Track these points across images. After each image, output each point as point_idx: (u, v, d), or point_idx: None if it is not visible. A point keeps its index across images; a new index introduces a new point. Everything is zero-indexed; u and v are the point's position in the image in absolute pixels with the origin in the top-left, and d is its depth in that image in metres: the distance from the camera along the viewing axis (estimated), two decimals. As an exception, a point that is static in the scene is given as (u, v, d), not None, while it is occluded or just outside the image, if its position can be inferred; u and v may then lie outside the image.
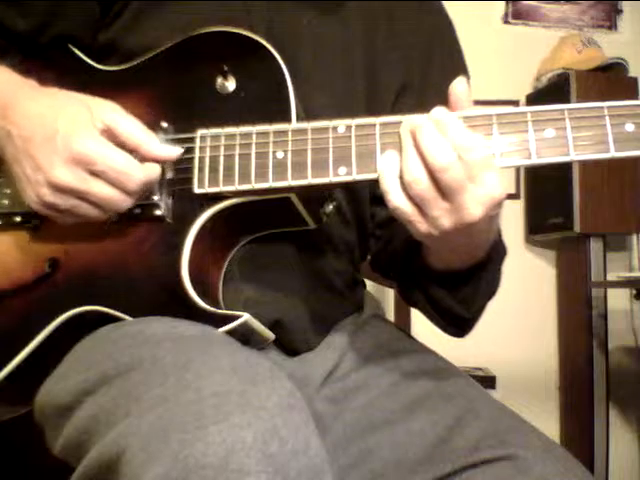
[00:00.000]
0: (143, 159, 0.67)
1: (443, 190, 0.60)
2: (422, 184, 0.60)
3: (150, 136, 0.68)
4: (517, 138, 0.63)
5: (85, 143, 0.63)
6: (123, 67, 0.76)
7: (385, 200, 0.62)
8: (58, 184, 0.64)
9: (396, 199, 0.62)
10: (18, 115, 0.67)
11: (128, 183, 0.65)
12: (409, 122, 0.62)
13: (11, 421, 0.73)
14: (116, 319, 0.68)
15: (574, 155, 0.62)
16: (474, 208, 0.60)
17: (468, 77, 0.90)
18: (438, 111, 0.62)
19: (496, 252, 0.74)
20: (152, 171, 0.67)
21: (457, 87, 0.64)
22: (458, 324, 0.80)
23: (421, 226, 0.62)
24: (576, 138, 0.62)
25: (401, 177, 0.61)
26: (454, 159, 0.59)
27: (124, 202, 0.66)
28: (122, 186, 0.65)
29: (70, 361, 0.67)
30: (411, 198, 0.61)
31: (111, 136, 0.66)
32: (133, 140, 0.66)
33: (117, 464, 0.51)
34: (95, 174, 0.64)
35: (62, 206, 0.66)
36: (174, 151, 0.69)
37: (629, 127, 0.61)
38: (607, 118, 0.61)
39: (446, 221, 0.61)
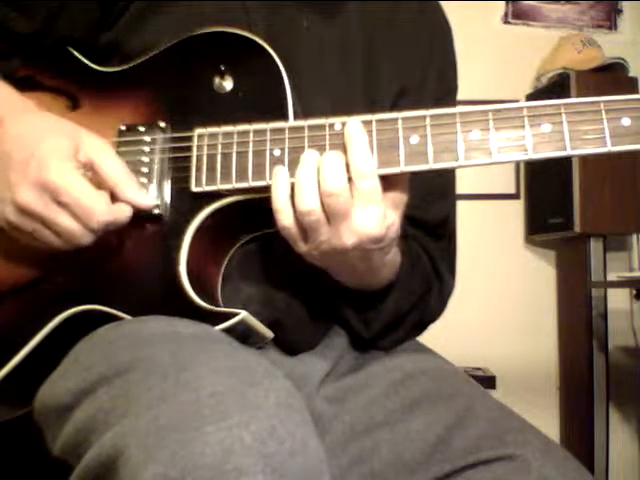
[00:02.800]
0: (117, 200, 0.67)
1: (328, 214, 0.62)
2: (316, 214, 0.62)
3: (129, 179, 0.68)
4: (513, 134, 0.63)
5: (56, 172, 0.64)
6: (122, 68, 0.77)
7: (275, 218, 0.64)
8: (21, 205, 0.65)
9: (287, 220, 0.64)
10: (6, 131, 0.67)
11: (90, 220, 0.65)
12: (312, 154, 0.64)
13: (11, 421, 0.73)
14: (115, 318, 0.69)
15: (571, 150, 0.62)
16: (348, 236, 0.62)
17: (456, 87, 0.91)
18: (353, 125, 0.64)
19: (397, 289, 0.77)
20: (120, 214, 0.67)
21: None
22: (359, 340, 0.83)
23: (303, 246, 0.65)
24: (572, 133, 0.62)
25: (294, 200, 0.63)
26: (344, 187, 0.61)
27: (84, 237, 0.66)
28: (84, 222, 0.65)
29: (69, 361, 0.67)
30: (299, 224, 0.63)
31: (92, 172, 0.66)
32: (111, 179, 0.67)
33: (115, 464, 0.51)
34: (60, 204, 0.64)
35: (24, 228, 0.66)
36: (148, 200, 0.69)
37: (625, 121, 0.61)
38: (603, 113, 0.61)
39: (325, 246, 0.64)
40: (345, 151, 0.63)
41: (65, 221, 0.65)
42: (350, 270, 0.70)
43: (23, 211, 0.65)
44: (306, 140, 0.66)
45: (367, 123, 0.65)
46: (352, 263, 0.68)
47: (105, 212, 0.65)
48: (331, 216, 0.62)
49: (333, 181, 0.61)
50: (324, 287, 0.77)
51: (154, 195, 0.70)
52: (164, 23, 0.77)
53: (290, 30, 0.80)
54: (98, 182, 0.66)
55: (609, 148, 0.61)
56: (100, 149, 0.67)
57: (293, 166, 0.66)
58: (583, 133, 0.61)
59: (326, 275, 0.74)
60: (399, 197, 0.65)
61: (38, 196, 0.64)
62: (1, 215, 0.67)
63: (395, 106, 0.84)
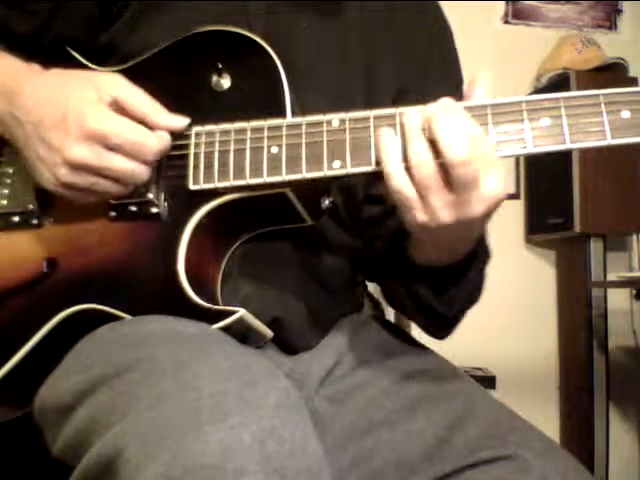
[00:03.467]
0: (152, 128, 0.67)
1: (455, 183, 0.59)
2: (428, 168, 0.60)
3: (156, 106, 0.68)
4: (512, 128, 0.63)
5: (97, 119, 0.64)
6: (120, 67, 0.77)
7: (386, 183, 0.62)
8: (76, 162, 0.64)
9: (399, 181, 0.61)
10: (25, 99, 0.67)
11: (144, 153, 0.66)
12: (416, 112, 0.62)
13: (11, 421, 0.73)
14: (114, 317, 0.69)
15: (570, 144, 0.61)
16: (478, 205, 0.60)
17: (462, 81, 0.90)
18: (449, 103, 0.62)
19: (481, 251, 0.74)
20: (164, 139, 0.68)
21: (477, 83, 0.64)
22: (439, 323, 0.80)
23: (419, 215, 0.62)
24: (572, 126, 0.62)
25: (405, 160, 0.61)
26: (471, 154, 0.58)
27: (143, 173, 0.67)
28: (139, 157, 0.66)
29: (69, 361, 0.67)
30: (415, 183, 0.60)
31: (119, 108, 0.66)
32: (141, 110, 0.67)
33: (115, 464, 0.51)
34: (111, 148, 0.65)
35: (81, 184, 0.66)
36: (181, 121, 0.69)
37: (625, 114, 0.61)
38: (603, 106, 0.61)
39: (446, 214, 0.61)
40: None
41: (121, 163, 0.65)
42: (460, 239, 0.68)
43: (78, 167, 0.65)
44: (303, 137, 0.66)
45: (364, 120, 0.65)
46: (472, 230, 0.65)
47: (155, 142, 0.66)
48: (461, 187, 0.59)
49: (460, 150, 0.58)
50: (402, 273, 0.76)
51: (151, 195, 0.70)
52: (162, 23, 0.78)
53: (289, 30, 0.80)
54: (128, 116, 0.66)
55: (609, 141, 0.61)
56: (118, 85, 0.68)
57: (292, 163, 0.66)
58: (583, 126, 0.61)
59: (403, 265, 0.72)
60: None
61: (88, 148, 0.64)
62: (54, 180, 0.66)
63: (395, 105, 0.84)
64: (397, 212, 0.64)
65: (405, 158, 0.61)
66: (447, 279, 0.74)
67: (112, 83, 0.67)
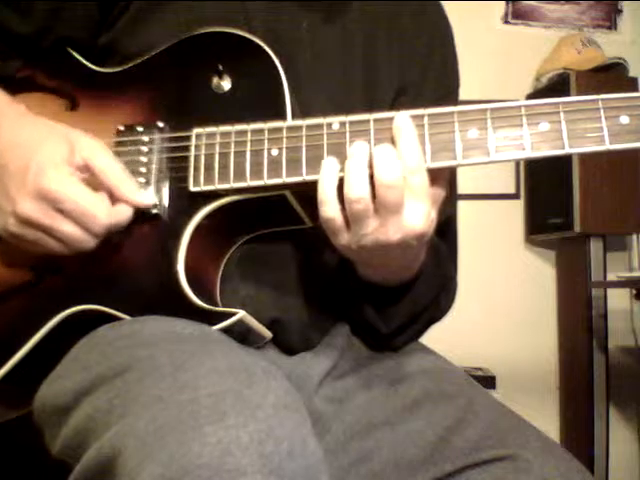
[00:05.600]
0: (116, 201, 0.67)
1: (379, 205, 0.61)
2: (364, 203, 0.61)
3: (127, 179, 0.68)
4: (512, 132, 0.63)
5: (54, 181, 0.64)
6: (120, 68, 0.77)
7: (319, 210, 0.63)
8: (23, 217, 0.65)
9: (332, 211, 0.62)
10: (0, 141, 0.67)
11: (92, 225, 0.65)
12: (362, 145, 0.63)
13: (11, 421, 0.73)
14: (114, 318, 0.69)
15: (569, 148, 0.62)
16: (395, 232, 0.61)
17: (459, 84, 0.91)
18: (402, 118, 0.63)
19: (421, 282, 0.75)
20: (121, 215, 0.67)
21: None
22: (375, 337, 0.81)
23: (343, 239, 0.64)
24: (571, 131, 0.62)
25: (341, 190, 0.62)
26: (400, 179, 0.60)
27: (87, 242, 0.66)
28: (86, 227, 0.65)
29: (68, 362, 0.67)
30: (346, 212, 0.62)
31: (88, 173, 0.66)
32: (109, 181, 0.66)
33: (114, 464, 0.51)
34: (61, 212, 0.64)
35: (27, 237, 0.66)
36: (147, 199, 0.69)
37: (624, 119, 0.61)
38: (602, 111, 0.61)
39: (368, 240, 0.62)
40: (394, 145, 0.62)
41: (67, 228, 0.65)
42: (383, 264, 0.69)
43: (25, 222, 0.65)
44: (304, 140, 0.66)
45: (364, 123, 0.65)
46: (390, 258, 0.67)
47: (106, 215, 0.65)
48: (383, 209, 0.60)
49: (389, 173, 0.60)
50: (342, 283, 0.77)
51: (152, 194, 0.70)
52: (163, 24, 0.77)
53: (290, 31, 0.80)
54: (96, 184, 0.66)
55: (607, 146, 0.61)
56: (95, 150, 0.67)
57: (292, 166, 0.66)
58: (581, 131, 0.61)
59: (346, 271, 0.73)
60: (438, 193, 0.65)
61: (38, 206, 0.64)
62: (3, 227, 0.67)
63: (394, 105, 0.84)
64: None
65: (342, 189, 0.62)
66: (386, 298, 0.76)
67: (89, 147, 0.67)
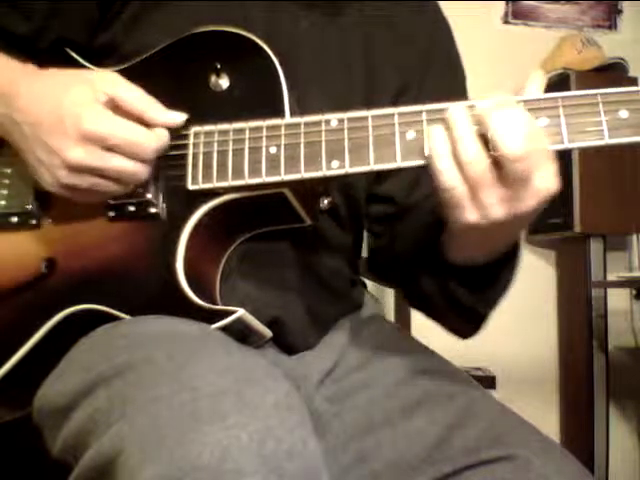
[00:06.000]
0: (150, 125, 0.67)
1: (509, 179, 0.59)
2: (481, 165, 0.59)
3: (153, 103, 0.68)
4: None
5: (94, 121, 0.64)
6: (119, 68, 0.77)
7: (437, 181, 0.61)
8: (74, 164, 0.65)
9: (451, 179, 0.60)
10: (22, 101, 0.67)
11: (143, 152, 0.66)
12: (462, 107, 0.61)
13: (11, 422, 0.73)
14: (113, 318, 0.68)
15: (568, 143, 0.61)
16: (531, 199, 0.60)
17: (465, 79, 0.90)
18: (504, 98, 0.62)
19: (517, 246, 0.73)
20: (162, 137, 0.68)
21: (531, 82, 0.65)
22: (474, 321, 0.79)
23: (470, 213, 0.61)
24: (570, 125, 0.62)
25: (455, 157, 0.60)
26: (526, 148, 0.58)
27: (142, 172, 0.67)
28: (137, 156, 0.66)
29: (67, 362, 0.67)
30: (466, 181, 0.60)
31: (115, 107, 0.66)
32: (137, 108, 0.67)
33: (113, 465, 0.51)
34: (109, 149, 0.65)
35: (82, 185, 0.66)
36: (178, 117, 0.69)
37: (623, 114, 0.61)
38: (601, 105, 0.61)
39: (499, 210, 0.60)
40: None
41: (120, 163, 0.66)
42: (504, 236, 0.67)
43: (77, 169, 0.65)
44: (302, 137, 0.66)
45: (362, 119, 0.65)
46: (519, 227, 0.65)
47: (152, 140, 0.66)
48: (513, 182, 0.59)
49: (516, 144, 0.57)
50: (430, 271, 0.75)
51: (150, 195, 0.70)
52: (161, 23, 0.77)
53: (289, 29, 0.80)
54: (125, 114, 0.67)
55: (606, 141, 0.61)
56: (114, 83, 0.68)
57: (290, 163, 0.66)
58: (581, 126, 0.61)
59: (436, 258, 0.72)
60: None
61: (86, 149, 0.64)
62: (55, 181, 0.66)
63: (395, 104, 0.84)
64: (442, 210, 0.64)
65: (455, 155, 0.60)
66: (484, 278, 0.73)
67: (108, 81, 0.67)
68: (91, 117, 0.64)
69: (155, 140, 0.67)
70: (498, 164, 0.59)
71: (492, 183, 0.59)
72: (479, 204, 0.60)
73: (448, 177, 0.60)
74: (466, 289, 0.75)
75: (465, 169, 0.59)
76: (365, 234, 0.95)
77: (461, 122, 0.60)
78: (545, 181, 0.60)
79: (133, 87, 0.68)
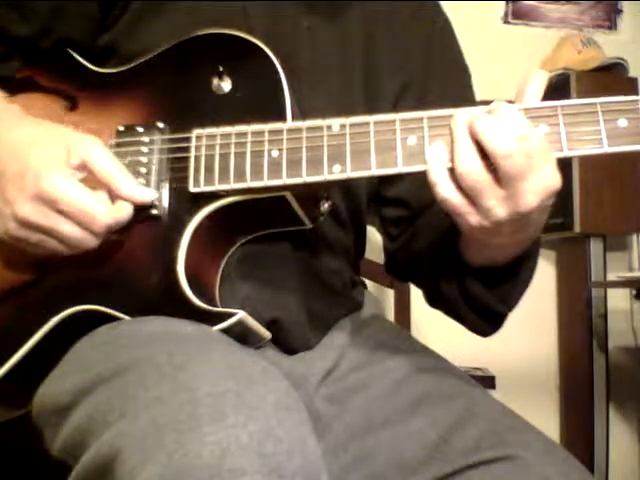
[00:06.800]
0: (116, 199, 0.67)
1: (502, 177, 0.59)
2: (476, 175, 0.60)
3: (125, 176, 0.68)
4: None
5: (53, 182, 0.64)
6: (121, 69, 0.77)
7: (433, 192, 0.62)
8: (24, 220, 0.65)
9: (445, 190, 0.61)
10: None
11: (93, 224, 0.65)
12: (463, 115, 0.62)
13: (11, 421, 0.74)
14: (113, 318, 0.69)
15: (568, 151, 0.62)
16: (531, 197, 0.60)
17: (469, 76, 0.90)
18: (498, 104, 0.62)
19: (536, 245, 0.74)
20: (121, 212, 0.67)
21: (530, 82, 0.65)
22: (494, 320, 0.80)
23: (472, 218, 0.62)
24: (569, 134, 0.62)
25: (452, 169, 0.61)
26: (516, 146, 0.59)
27: (89, 242, 0.67)
28: (87, 227, 0.65)
29: (67, 362, 0.67)
30: (461, 189, 0.61)
31: (87, 172, 0.66)
32: (107, 178, 0.66)
33: (113, 464, 0.51)
34: (61, 213, 0.64)
35: (29, 240, 0.67)
36: (147, 195, 0.69)
37: (622, 122, 0.61)
38: (600, 114, 0.62)
39: (501, 210, 0.61)
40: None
41: (68, 229, 0.65)
42: (518, 237, 0.67)
43: (25, 225, 0.65)
44: (304, 141, 0.66)
45: (364, 125, 0.65)
46: (530, 225, 0.65)
47: (106, 214, 0.65)
48: (508, 179, 0.59)
49: (504, 143, 0.58)
50: (449, 270, 0.76)
51: (152, 190, 0.70)
52: (163, 25, 0.77)
53: (290, 31, 0.80)
54: (94, 182, 0.66)
55: (606, 149, 0.62)
56: (91, 149, 0.67)
57: (292, 167, 0.66)
58: (580, 134, 0.62)
59: (455, 258, 0.73)
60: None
61: (38, 208, 0.64)
62: (4, 230, 0.67)
63: (397, 104, 0.84)
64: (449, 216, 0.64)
65: (452, 167, 0.61)
66: (503, 278, 0.74)
67: (85, 145, 0.67)
68: (51, 178, 0.64)
69: (110, 216, 0.66)
70: (494, 167, 0.59)
71: (490, 187, 0.60)
72: (479, 208, 0.61)
73: (443, 189, 0.61)
74: (485, 288, 0.75)
75: (461, 179, 0.60)
76: (380, 236, 0.95)
77: (457, 130, 0.61)
78: (543, 178, 0.60)
79: (111, 158, 0.67)
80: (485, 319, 0.79)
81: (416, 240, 0.84)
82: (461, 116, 0.62)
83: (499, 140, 0.59)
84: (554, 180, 0.60)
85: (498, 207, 0.61)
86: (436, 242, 0.78)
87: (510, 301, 0.77)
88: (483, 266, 0.73)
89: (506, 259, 0.72)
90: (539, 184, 0.60)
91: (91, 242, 0.67)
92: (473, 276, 0.75)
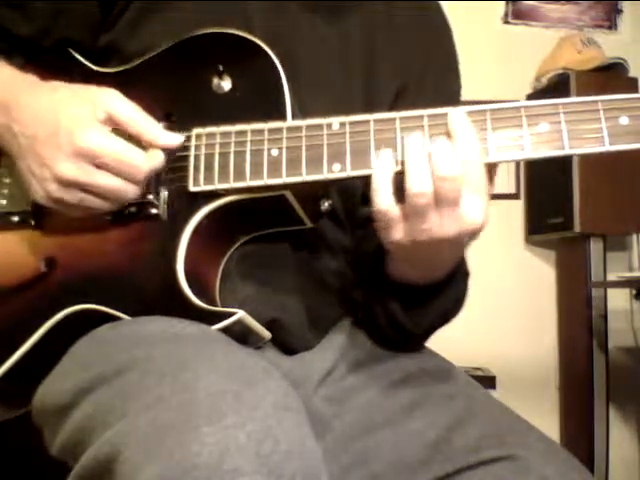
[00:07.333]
0: (146, 146, 0.68)
1: (438, 200, 0.60)
2: (427, 197, 0.60)
3: (152, 124, 0.69)
4: (511, 133, 0.63)
5: (87, 137, 0.64)
6: (121, 69, 0.77)
7: (372, 199, 0.62)
8: (64, 179, 0.65)
9: (385, 201, 0.61)
10: (21, 112, 0.67)
11: (133, 173, 0.66)
12: (419, 136, 0.62)
13: (11, 421, 0.74)
14: (113, 318, 0.69)
15: (569, 149, 0.62)
16: (454, 224, 0.60)
17: (460, 84, 0.90)
18: (459, 114, 0.62)
19: (455, 278, 0.74)
20: (155, 159, 0.68)
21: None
22: (404, 336, 0.80)
23: (397, 233, 0.62)
24: (570, 132, 0.62)
25: (402, 180, 0.61)
26: (460, 170, 0.59)
27: (131, 192, 0.67)
28: (127, 176, 0.66)
29: (68, 361, 0.67)
30: (405, 207, 0.61)
31: (113, 124, 0.67)
32: (135, 128, 0.67)
33: (113, 464, 0.51)
34: (100, 166, 0.65)
35: (70, 200, 0.67)
36: (175, 139, 0.69)
37: (623, 120, 0.61)
38: (601, 112, 0.62)
39: (425, 235, 0.61)
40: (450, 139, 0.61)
41: (110, 181, 0.66)
42: (429, 261, 0.68)
43: (67, 184, 0.65)
44: (304, 140, 0.66)
45: (364, 123, 0.65)
46: (440, 253, 0.66)
47: (144, 162, 0.66)
48: (440, 202, 0.60)
49: (448, 165, 0.59)
50: (368, 282, 0.76)
51: (151, 196, 0.70)
52: (163, 24, 0.77)
53: (290, 30, 0.80)
54: (123, 133, 0.67)
55: (607, 147, 0.61)
56: (115, 101, 0.68)
57: (292, 166, 0.66)
58: (581, 132, 0.62)
59: (374, 270, 0.73)
60: (489, 188, 0.63)
61: (77, 165, 0.65)
62: (45, 194, 0.67)
63: (394, 105, 0.84)
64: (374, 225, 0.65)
65: (403, 180, 0.61)
66: (416, 298, 0.74)
67: (108, 99, 0.68)
68: (85, 133, 0.64)
69: (147, 162, 0.67)
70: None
71: (431, 211, 0.60)
72: (407, 227, 0.62)
73: (383, 198, 0.61)
74: (400, 305, 0.76)
75: (410, 198, 0.60)
76: None
77: (417, 153, 0.61)
78: (472, 211, 0.60)
79: (133, 106, 0.68)
80: (396, 332, 0.80)
81: (364, 242, 0.84)
82: (417, 138, 0.62)
83: (444, 161, 0.59)
84: (480, 217, 0.61)
85: (427, 231, 0.61)
86: (373, 252, 0.78)
87: (420, 322, 0.77)
88: (399, 281, 0.73)
89: (418, 280, 0.72)
90: (467, 214, 0.60)
91: (133, 192, 0.67)
92: (391, 291, 0.75)
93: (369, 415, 0.76)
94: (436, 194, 0.59)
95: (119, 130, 0.67)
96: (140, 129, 0.68)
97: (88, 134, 0.65)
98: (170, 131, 0.71)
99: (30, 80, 0.71)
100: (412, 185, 0.60)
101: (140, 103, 0.75)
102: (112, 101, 0.68)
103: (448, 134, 0.62)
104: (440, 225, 0.61)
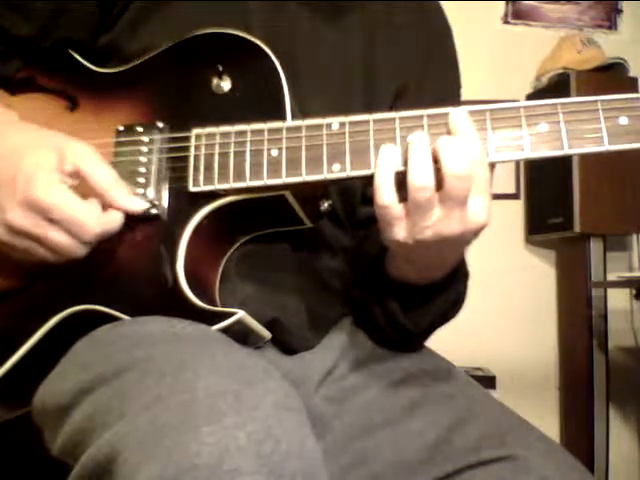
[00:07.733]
0: (107, 207, 0.66)
1: (447, 198, 0.59)
2: (429, 192, 0.59)
3: (117, 184, 0.67)
4: (511, 133, 0.63)
5: (43, 189, 0.63)
6: (120, 69, 0.77)
7: (375, 196, 0.62)
8: (12, 226, 0.64)
9: (388, 197, 0.61)
10: None
11: (82, 234, 0.64)
12: (423, 135, 0.62)
13: (11, 421, 0.73)
14: (113, 318, 0.68)
15: (568, 149, 0.62)
16: (458, 224, 0.60)
17: (459, 85, 0.90)
18: (461, 114, 0.62)
19: (455, 278, 0.74)
20: (111, 222, 0.66)
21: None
22: (403, 336, 0.80)
23: (400, 232, 0.62)
24: (570, 132, 0.62)
25: (403, 179, 0.61)
26: (469, 170, 0.59)
27: (78, 251, 0.66)
28: (76, 235, 0.65)
29: (67, 362, 0.67)
30: (407, 203, 0.60)
31: (78, 179, 0.66)
32: (99, 187, 0.66)
33: (112, 464, 0.51)
34: (51, 221, 0.64)
35: (17, 246, 0.66)
36: (138, 205, 0.68)
37: (623, 120, 0.61)
38: (601, 112, 0.62)
39: (429, 233, 0.61)
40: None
41: (57, 237, 0.64)
42: (430, 261, 0.68)
43: (14, 231, 0.65)
44: (303, 140, 0.66)
45: (364, 123, 0.65)
46: (443, 252, 0.65)
47: (96, 224, 0.65)
48: (449, 200, 0.59)
49: (460, 163, 0.58)
50: (367, 281, 0.76)
51: (151, 196, 0.70)
52: (163, 24, 0.77)
53: (290, 31, 0.80)
54: (87, 190, 0.66)
55: (606, 147, 0.61)
56: (85, 156, 0.66)
57: (291, 166, 0.66)
58: (580, 132, 0.62)
59: (374, 269, 0.73)
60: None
61: (28, 215, 0.64)
62: None
63: (394, 105, 0.84)
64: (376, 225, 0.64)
65: (407, 178, 0.60)
66: (416, 298, 0.74)
67: (80, 153, 0.66)
68: (42, 185, 0.63)
69: (100, 225, 0.65)
70: (440, 184, 0.59)
71: (434, 207, 0.60)
72: (411, 225, 0.61)
73: (385, 195, 0.61)
74: (399, 305, 0.75)
75: (411, 193, 0.60)
76: None
77: (420, 148, 0.61)
78: (477, 209, 0.60)
79: (103, 165, 0.66)
80: (394, 332, 0.79)
81: (366, 242, 0.84)
82: (420, 135, 0.62)
83: (456, 160, 0.58)
84: (484, 216, 0.61)
85: (426, 228, 0.61)
86: (375, 250, 0.78)
87: (420, 323, 0.77)
88: (399, 281, 0.73)
89: (419, 280, 0.72)
90: (472, 214, 0.60)
91: (80, 251, 0.66)
92: (391, 290, 0.75)
93: (369, 415, 0.76)
94: (445, 192, 0.59)
95: (84, 186, 0.65)
96: (105, 188, 0.65)
97: (45, 186, 0.63)
98: (167, 134, 0.71)
99: (8, 118, 0.70)
100: (414, 179, 0.59)
101: (139, 103, 0.75)
102: (84, 158, 0.66)
103: (449, 134, 0.62)
104: (446, 224, 0.60)
